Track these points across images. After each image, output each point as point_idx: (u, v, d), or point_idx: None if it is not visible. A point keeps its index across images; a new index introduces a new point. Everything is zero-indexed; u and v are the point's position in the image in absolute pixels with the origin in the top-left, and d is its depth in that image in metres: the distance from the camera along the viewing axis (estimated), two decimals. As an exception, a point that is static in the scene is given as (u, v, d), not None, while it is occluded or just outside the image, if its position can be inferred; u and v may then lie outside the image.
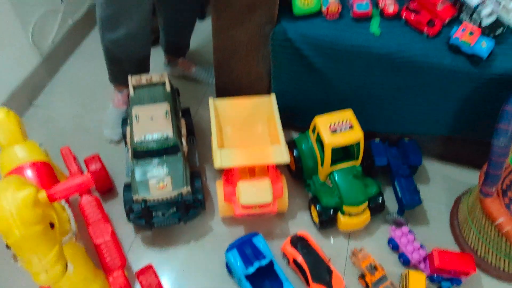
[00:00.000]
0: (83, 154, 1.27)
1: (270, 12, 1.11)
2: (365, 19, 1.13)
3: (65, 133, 1.42)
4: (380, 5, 1.14)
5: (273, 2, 1.09)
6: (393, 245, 1.20)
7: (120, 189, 1.29)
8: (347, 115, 1.18)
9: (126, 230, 1.21)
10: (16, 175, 0.74)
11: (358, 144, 1.17)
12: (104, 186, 1.25)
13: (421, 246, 1.17)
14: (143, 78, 1.22)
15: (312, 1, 1.11)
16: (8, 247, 0.71)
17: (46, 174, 0.93)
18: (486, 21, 1.07)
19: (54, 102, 1.51)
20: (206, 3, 1.74)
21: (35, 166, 0.92)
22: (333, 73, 1.19)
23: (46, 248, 0.70)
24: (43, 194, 0.72)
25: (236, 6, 1.12)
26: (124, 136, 1.29)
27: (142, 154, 1.11)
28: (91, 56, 1.65)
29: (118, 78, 1.35)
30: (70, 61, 1.64)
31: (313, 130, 1.21)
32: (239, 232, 1.22)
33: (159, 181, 1.09)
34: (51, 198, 0.73)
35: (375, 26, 1.12)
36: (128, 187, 1.13)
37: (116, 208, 1.24)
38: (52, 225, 0.73)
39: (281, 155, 1.12)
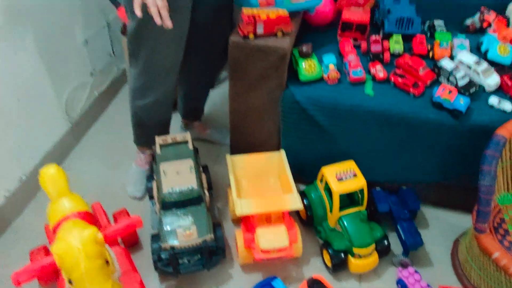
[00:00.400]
0: (109, 211, 1.37)
1: (280, 79, 1.31)
2: (360, 83, 1.33)
3: (91, 192, 1.53)
4: (371, 71, 1.35)
5: (282, 71, 1.30)
6: (402, 285, 1.28)
7: (144, 242, 1.38)
8: (350, 165, 1.33)
9: (151, 281, 1.27)
10: (77, 219, 0.85)
11: (362, 190, 1.30)
12: (131, 239, 1.34)
13: (428, 285, 1.25)
14: (169, 138, 1.37)
15: (315, 69, 1.32)
16: (70, 282, 0.80)
17: (90, 222, 1.03)
18: (461, 82, 1.28)
19: (80, 165, 1.64)
20: (216, 75, 1.97)
21: (80, 215, 1.02)
22: (336, 130, 1.36)
23: (103, 281, 0.80)
24: (100, 234, 0.83)
25: (251, 76, 1.32)
26: (148, 191, 1.41)
27: (169, 205, 1.23)
28: (112, 123, 1.82)
29: (142, 140, 1.51)
30: (94, 127, 1.80)
31: (321, 180, 1.35)
32: (257, 278, 1.30)
33: (185, 230, 1.19)
34: (106, 238, 0.84)
35: (369, 89, 1.32)
36: (155, 237, 1.23)
37: (140, 260, 1.31)
38: (107, 262, 0.83)
39: (295, 202, 1.25)
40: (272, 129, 1.45)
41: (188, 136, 1.39)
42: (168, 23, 1.05)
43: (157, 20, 1.04)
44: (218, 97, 1.87)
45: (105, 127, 1.81)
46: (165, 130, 1.51)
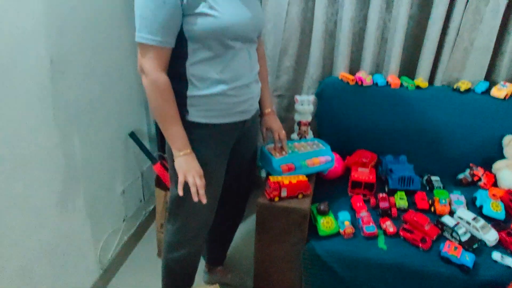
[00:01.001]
0: None
1: (302, 234, 1.47)
2: (373, 237, 1.48)
3: None
4: (382, 226, 1.51)
5: (304, 228, 1.46)
6: None
7: None
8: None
9: None
10: None
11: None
12: None
13: None
14: (199, 291, 1.47)
15: (332, 225, 1.48)
16: None
17: None
18: (463, 238, 1.43)
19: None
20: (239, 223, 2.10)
21: None
22: (354, 280, 1.45)
23: None
24: None
25: (276, 231, 1.47)
26: None
27: None
28: (137, 265, 1.91)
29: (170, 289, 1.59)
30: (121, 271, 1.88)
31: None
32: None
33: None
34: None
35: (381, 242, 1.46)
36: None
37: None
38: None
39: None
40: (294, 278, 1.55)
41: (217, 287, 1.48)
42: (204, 200, 1.24)
43: (195, 199, 1.23)
44: (236, 240, 2.00)
45: (131, 270, 1.90)
46: (191, 279, 1.60)
